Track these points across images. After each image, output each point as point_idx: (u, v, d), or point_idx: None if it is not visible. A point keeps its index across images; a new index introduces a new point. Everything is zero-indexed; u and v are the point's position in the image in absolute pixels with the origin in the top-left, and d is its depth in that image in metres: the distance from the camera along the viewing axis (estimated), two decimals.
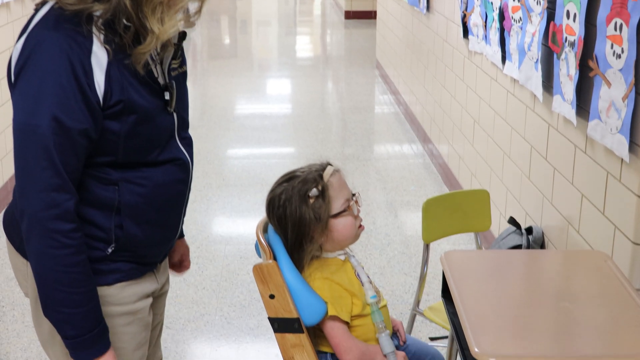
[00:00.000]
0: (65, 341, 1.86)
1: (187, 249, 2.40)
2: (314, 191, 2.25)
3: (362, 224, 2.36)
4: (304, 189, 2.25)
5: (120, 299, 1.97)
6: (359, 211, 2.33)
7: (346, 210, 2.28)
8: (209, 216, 5.55)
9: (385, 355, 2.30)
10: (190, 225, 5.34)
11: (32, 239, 1.79)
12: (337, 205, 2.27)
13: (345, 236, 2.30)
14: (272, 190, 2.32)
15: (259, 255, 2.41)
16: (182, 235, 2.33)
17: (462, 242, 4.85)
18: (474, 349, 2.13)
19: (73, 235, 1.80)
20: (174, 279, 4.49)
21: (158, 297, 2.16)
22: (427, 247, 3.29)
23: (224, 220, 5.48)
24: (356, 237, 2.34)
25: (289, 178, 2.30)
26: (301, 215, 2.24)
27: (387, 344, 2.29)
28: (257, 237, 2.32)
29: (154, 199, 1.95)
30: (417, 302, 3.39)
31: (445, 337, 3.70)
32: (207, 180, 6.29)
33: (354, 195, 2.34)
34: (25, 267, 1.97)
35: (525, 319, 2.32)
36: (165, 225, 2.03)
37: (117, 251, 1.94)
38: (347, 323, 2.27)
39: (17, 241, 1.98)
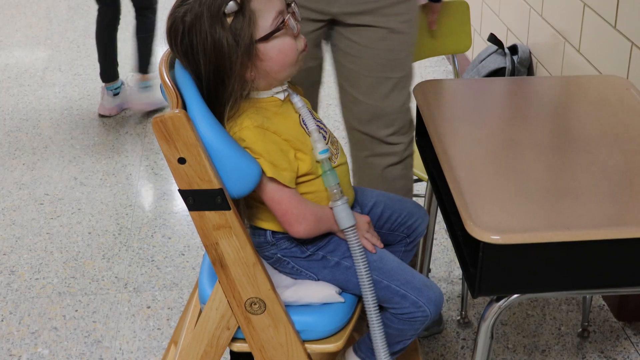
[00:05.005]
0: None
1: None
2: (230, 5, 1.55)
3: (305, 44, 1.68)
4: (216, 3, 1.55)
5: None
6: (298, 28, 1.66)
7: (281, 28, 1.60)
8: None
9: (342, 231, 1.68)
10: None
11: None
12: (265, 23, 1.59)
13: (284, 64, 1.63)
14: (173, 13, 1.61)
15: (167, 101, 1.74)
16: None
17: (431, 66, 4.18)
18: (469, 223, 1.52)
19: None
20: (89, 122, 3.82)
21: None
22: None
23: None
24: (297, 63, 1.67)
25: None
26: (215, 41, 1.55)
27: (345, 217, 1.67)
28: (161, 77, 1.64)
29: None
30: None
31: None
32: None
33: (289, 5, 1.65)
34: None
35: (530, 176, 1.71)
36: None
37: None
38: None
39: None
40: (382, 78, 2.18)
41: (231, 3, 1.54)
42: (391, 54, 2.18)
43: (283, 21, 1.60)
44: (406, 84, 2.23)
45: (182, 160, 1.52)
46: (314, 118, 1.71)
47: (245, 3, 1.56)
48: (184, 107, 1.56)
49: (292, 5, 1.65)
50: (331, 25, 2.18)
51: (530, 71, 3.04)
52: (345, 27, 2.16)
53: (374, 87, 2.20)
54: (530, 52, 3.04)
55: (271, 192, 1.64)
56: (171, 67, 1.66)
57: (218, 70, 1.57)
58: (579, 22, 2.61)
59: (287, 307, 1.69)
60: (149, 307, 2.58)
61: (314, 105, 2.31)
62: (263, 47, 1.59)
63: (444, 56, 4.33)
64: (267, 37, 1.58)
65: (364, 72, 2.20)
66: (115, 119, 3.86)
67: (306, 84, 2.18)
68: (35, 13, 5.37)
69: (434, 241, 2.85)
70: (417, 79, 2.24)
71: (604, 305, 2.53)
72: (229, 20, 1.55)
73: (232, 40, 1.55)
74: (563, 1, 2.73)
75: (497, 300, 1.62)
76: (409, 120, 2.29)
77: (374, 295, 1.68)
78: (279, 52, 1.61)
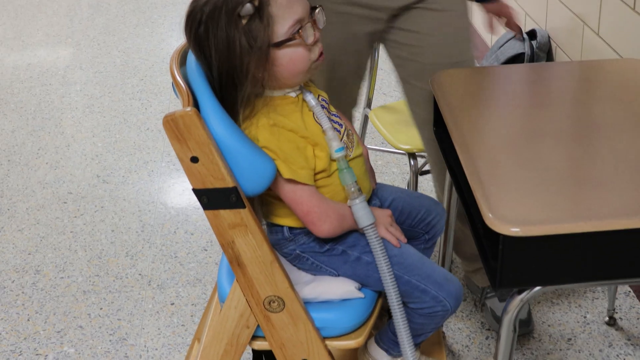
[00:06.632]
0: None
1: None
2: (247, 7, 1.53)
3: (323, 52, 1.65)
4: (234, 2, 1.53)
5: None
6: (317, 37, 1.62)
7: (294, 38, 1.58)
8: (154, 42, 4.80)
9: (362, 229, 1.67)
10: (133, 53, 4.61)
11: None
12: (281, 30, 1.56)
13: (293, 72, 1.61)
14: (194, 0, 1.60)
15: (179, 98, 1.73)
16: None
17: None
18: (488, 216, 1.50)
19: None
20: (110, 120, 3.82)
21: None
22: None
23: (172, 45, 4.74)
24: (310, 72, 1.64)
25: None
26: (229, 40, 1.54)
27: (364, 215, 1.65)
28: (172, 74, 1.63)
29: None
30: (369, 102, 2.74)
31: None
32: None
33: (314, 9, 1.62)
34: None
35: (549, 165, 1.68)
36: None
37: None
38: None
39: None
40: (448, 64, 2.10)
41: (247, 5, 1.52)
42: (451, 38, 2.10)
43: (298, 31, 1.57)
44: None
45: (194, 159, 1.51)
46: (329, 113, 1.70)
47: (264, 6, 1.53)
48: (196, 104, 1.55)
49: (317, 11, 1.62)
50: (388, 22, 2.11)
51: (549, 56, 3.00)
52: (401, 18, 2.09)
53: None
54: (549, 37, 3.00)
55: (291, 193, 1.62)
56: (182, 63, 1.65)
57: (230, 69, 1.55)
58: (597, 4, 2.57)
59: (307, 304, 1.68)
60: (172, 304, 2.58)
61: (353, 100, 2.26)
62: (275, 53, 1.57)
63: None
64: (279, 44, 1.56)
65: (429, 61, 2.11)
66: (136, 116, 3.86)
67: (352, 79, 2.17)
68: (56, 12, 5.39)
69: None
70: None
71: (629, 291, 2.50)
72: (244, 21, 1.53)
73: (245, 42, 1.53)
74: None
75: (519, 292, 1.59)
76: None
77: (397, 291, 1.66)
78: (289, 60, 1.58)
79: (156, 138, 3.64)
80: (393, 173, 3.24)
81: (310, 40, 1.60)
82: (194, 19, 1.57)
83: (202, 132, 1.48)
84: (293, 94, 1.65)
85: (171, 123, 1.48)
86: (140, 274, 2.73)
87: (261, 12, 1.53)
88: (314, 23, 1.61)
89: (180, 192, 3.20)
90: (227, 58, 1.55)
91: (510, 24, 2.24)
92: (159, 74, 4.33)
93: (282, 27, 1.56)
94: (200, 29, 1.56)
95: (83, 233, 2.97)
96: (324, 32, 1.67)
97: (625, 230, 1.49)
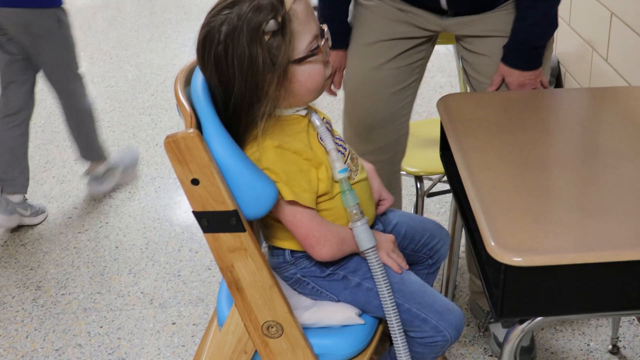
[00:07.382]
0: None
1: None
2: (271, 24, 1.52)
3: (331, 71, 1.66)
4: (256, 19, 1.51)
5: None
6: (329, 54, 1.63)
7: (314, 53, 1.57)
8: (167, 57, 4.80)
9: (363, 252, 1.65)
10: (145, 68, 4.61)
11: None
12: (301, 46, 1.55)
13: (310, 89, 1.60)
14: (208, 22, 1.57)
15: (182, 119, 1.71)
16: None
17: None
18: (491, 244, 1.48)
19: None
20: (120, 135, 3.81)
21: None
22: None
23: (185, 60, 4.73)
24: (323, 89, 1.64)
25: (233, 2, 1.55)
26: (252, 58, 1.52)
27: (365, 238, 1.63)
28: (176, 95, 1.62)
29: None
30: None
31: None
32: (166, 15, 5.50)
33: (322, 29, 1.61)
34: None
35: (554, 193, 1.66)
36: None
37: None
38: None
39: None
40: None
41: (272, 22, 1.50)
42: None
43: (317, 47, 1.57)
44: None
45: (195, 182, 1.49)
46: (332, 136, 1.68)
47: (287, 23, 1.52)
48: (199, 126, 1.53)
49: (325, 30, 1.62)
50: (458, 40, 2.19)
51: (558, 80, 2.98)
52: (464, 37, 2.14)
53: None
54: (558, 62, 2.98)
55: (291, 215, 1.60)
56: (187, 84, 1.64)
57: (251, 87, 1.53)
58: (606, 31, 2.55)
59: (306, 329, 1.65)
60: (174, 323, 2.56)
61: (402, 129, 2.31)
62: (294, 69, 1.55)
63: None
64: (300, 60, 1.55)
65: (484, 80, 2.15)
66: (146, 131, 3.85)
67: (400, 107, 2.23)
68: (70, 25, 5.39)
69: (460, 259, 2.79)
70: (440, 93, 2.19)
71: (633, 319, 2.46)
72: (266, 38, 1.52)
73: (268, 60, 1.51)
74: (591, 10, 2.67)
75: (521, 322, 1.57)
76: None
77: (398, 316, 1.64)
78: (308, 77, 1.57)
79: (164, 154, 3.62)
80: None
81: (328, 56, 1.61)
82: (212, 40, 1.54)
83: (204, 154, 1.47)
84: (302, 113, 1.64)
85: (173, 144, 1.46)
86: (142, 292, 2.71)
87: (284, 28, 1.52)
88: (327, 41, 1.60)
89: (186, 210, 3.19)
90: (248, 76, 1.53)
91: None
92: (170, 89, 4.32)
93: (301, 44, 1.55)
94: (218, 49, 1.53)
95: (87, 249, 2.96)
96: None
97: (629, 262, 1.46)
